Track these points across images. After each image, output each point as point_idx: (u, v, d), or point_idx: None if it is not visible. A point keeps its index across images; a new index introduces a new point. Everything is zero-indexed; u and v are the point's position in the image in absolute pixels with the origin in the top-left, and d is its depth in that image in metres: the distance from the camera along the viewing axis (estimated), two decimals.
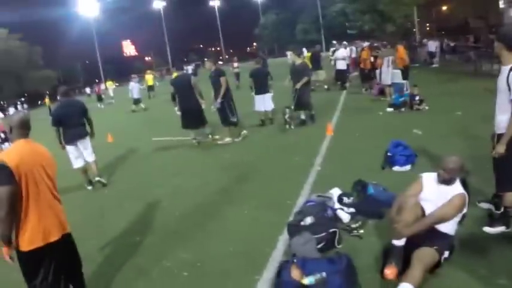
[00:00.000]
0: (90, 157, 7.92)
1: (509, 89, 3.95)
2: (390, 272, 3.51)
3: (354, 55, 20.25)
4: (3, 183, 2.98)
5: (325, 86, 17.74)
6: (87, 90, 52.83)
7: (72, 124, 7.61)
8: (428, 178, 3.87)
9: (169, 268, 4.42)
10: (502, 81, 4.06)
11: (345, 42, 20.81)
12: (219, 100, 9.47)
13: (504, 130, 4.09)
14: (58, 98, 8.16)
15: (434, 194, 3.71)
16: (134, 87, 22.17)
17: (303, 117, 10.63)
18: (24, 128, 3.35)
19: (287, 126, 10.47)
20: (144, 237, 5.32)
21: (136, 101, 22.02)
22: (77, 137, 7.70)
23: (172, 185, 7.43)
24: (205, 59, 10.33)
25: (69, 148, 7.72)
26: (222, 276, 4.09)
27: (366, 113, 11.59)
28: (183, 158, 9.33)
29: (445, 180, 3.66)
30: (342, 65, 17.56)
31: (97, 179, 8.02)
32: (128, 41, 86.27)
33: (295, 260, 3.50)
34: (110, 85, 35.56)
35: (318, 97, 15.10)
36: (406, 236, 3.58)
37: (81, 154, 7.78)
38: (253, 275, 3.99)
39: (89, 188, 7.97)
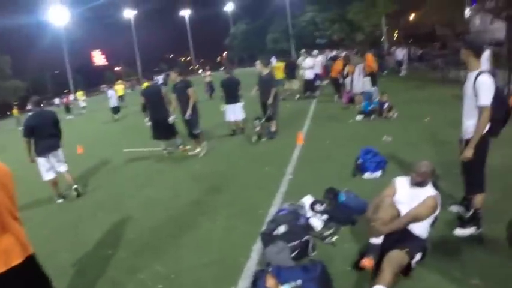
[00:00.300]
0: (63, 167, 7.76)
1: (476, 95, 4.09)
2: (368, 262, 3.61)
3: (324, 63, 20.47)
4: None
5: (296, 96, 17.89)
6: (56, 100, 51.72)
7: (45, 135, 7.43)
8: (401, 181, 4.01)
9: (143, 281, 4.35)
10: (468, 88, 4.22)
11: (315, 51, 21.07)
12: (189, 112, 9.24)
13: (471, 135, 4.24)
14: (29, 108, 7.89)
15: (407, 196, 3.83)
16: (113, 96, 21.75)
17: (272, 129, 10.51)
18: None
19: (255, 138, 10.20)
20: (117, 249, 5.23)
21: (116, 110, 21.53)
22: (49, 148, 7.53)
23: (144, 196, 7.34)
24: (172, 70, 10.00)
25: (41, 160, 7.52)
26: (196, 287, 4.06)
27: (336, 121, 11.75)
28: (154, 169, 9.19)
29: (417, 183, 3.80)
30: (309, 74, 17.77)
31: (74, 187, 7.85)
32: (98, 50, 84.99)
33: (270, 269, 3.51)
34: (80, 96, 34.85)
35: (289, 106, 15.27)
36: (384, 234, 3.69)
37: (52, 166, 7.60)
38: (228, 285, 3.97)
39: (59, 201, 7.76)
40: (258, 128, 10.18)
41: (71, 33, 66.17)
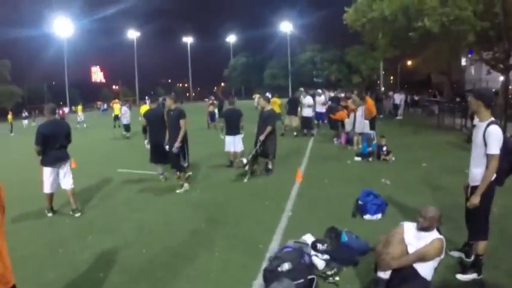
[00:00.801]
0: (68, 183, 7.54)
1: (485, 144, 4.26)
2: None
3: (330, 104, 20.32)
4: None
5: (294, 133, 17.96)
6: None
7: (55, 145, 7.26)
8: (408, 225, 4.08)
9: None
10: (478, 136, 4.39)
11: (319, 90, 21.28)
12: (177, 144, 8.71)
13: (479, 182, 4.39)
14: (46, 115, 7.50)
15: (414, 238, 3.88)
16: (126, 112, 21.37)
17: (270, 166, 10.37)
18: None
19: (247, 178, 9.74)
20: (108, 273, 4.98)
21: (127, 127, 21.05)
22: (58, 159, 7.36)
23: (138, 221, 7.10)
24: (168, 95, 9.67)
25: (48, 170, 7.32)
26: None
27: (334, 160, 11.77)
28: (150, 193, 8.96)
29: (424, 228, 3.88)
30: (307, 113, 17.87)
31: (73, 208, 7.55)
32: (98, 67, 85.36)
33: None
34: (79, 110, 34.91)
35: (287, 143, 15.30)
36: (392, 268, 3.73)
37: (56, 179, 7.42)
38: None
39: (49, 214, 7.51)
40: (246, 167, 9.71)
41: (72, 47, 66.80)
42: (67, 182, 7.55)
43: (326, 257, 4.77)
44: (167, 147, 8.94)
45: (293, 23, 69.91)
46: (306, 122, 17.99)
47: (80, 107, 35.66)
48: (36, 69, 68.47)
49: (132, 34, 77.17)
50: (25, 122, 35.17)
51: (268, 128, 9.91)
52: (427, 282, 3.69)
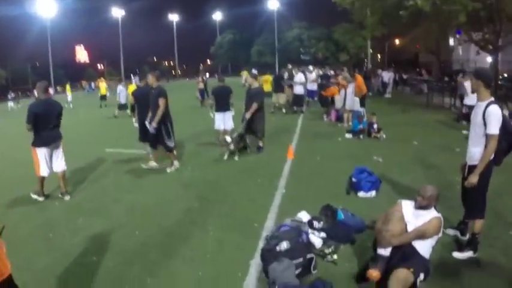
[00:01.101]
0: (61, 165, 7.27)
1: (485, 124, 4.22)
2: (375, 273, 3.60)
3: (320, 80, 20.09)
4: None
5: (283, 110, 17.88)
6: (35, 92, 50.54)
7: (48, 125, 6.96)
8: (406, 203, 4.02)
9: None
10: (477, 116, 4.36)
11: (310, 67, 21.07)
12: (154, 125, 8.47)
13: (477, 162, 4.38)
14: (36, 94, 7.26)
15: (413, 216, 3.84)
16: (122, 91, 20.61)
17: (260, 144, 10.22)
18: None
19: (227, 156, 9.60)
20: (102, 257, 4.84)
21: (122, 107, 20.39)
22: (52, 139, 7.09)
23: (129, 201, 6.95)
24: (151, 73, 9.27)
25: (42, 151, 7.02)
26: None
27: (324, 138, 11.72)
28: (139, 173, 8.77)
29: (422, 207, 3.84)
30: (299, 90, 17.74)
31: (62, 191, 7.32)
32: (82, 46, 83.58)
33: None
34: (68, 89, 34.34)
35: (276, 120, 15.22)
36: (393, 245, 3.71)
37: (50, 161, 7.15)
38: None
39: (38, 198, 7.20)
40: (230, 146, 9.54)
41: (56, 27, 65.06)
42: (60, 164, 7.28)
43: (323, 235, 4.72)
44: (148, 125, 8.71)
45: (280, 0, 69.03)
46: (297, 99, 17.87)
47: (68, 87, 35.05)
48: (19, 50, 66.53)
49: (117, 12, 75.45)
50: (10, 104, 34.32)
51: (254, 105, 9.73)
52: (425, 260, 3.68)
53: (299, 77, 17.93)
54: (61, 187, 7.37)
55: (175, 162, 8.94)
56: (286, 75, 19.49)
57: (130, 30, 79.40)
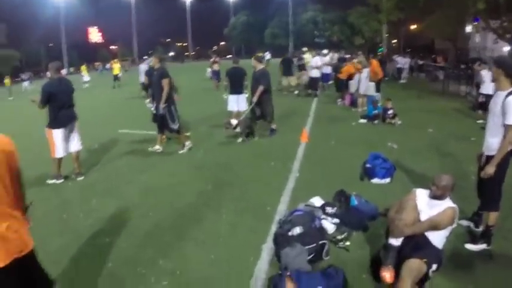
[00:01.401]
0: (77, 145, 7.30)
1: (504, 114, 4.09)
2: (389, 275, 3.53)
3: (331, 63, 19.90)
4: None
5: (295, 92, 17.76)
6: (48, 74, 50.98)
7: (63, 105, 6.95)
8: (421, 191, 3.94)
9: (145, 276, 4.04)
10: (496, 105, 4.24)
11: (325, 50, 20.84)
12: (162, 105, 8.44)
13: (494, 152, 4.26)
14: (49, 74, 7.26)
15: (427, 206, 3.76)
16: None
17: (273, 126, 10.11)
18: None
19: (242, 139, 9.57)
20: (115, 238, 4.87)
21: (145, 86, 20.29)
22: (68, 119, 7.08)
23: (143, 183, 6.98)
24: (154, 54, 9.32)
25: (59, 132, 6.99)
26: (205, 286, 3.83)
27: (339, 122, 11.61)
28: (152, 154, 8.81)
29: (436, 196, 3.74)
30: (315, 73, 17.58)
31: (76, 172, 7.38)
32: (95, 27, 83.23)
33: (288, 273, 3.32)
34: (84, 70, 34.78)
35: (290, 103, 15.13)
36: (405, 235, 3.65)
37: (67, 141, 7.14)
38: (239, 285, 3.78)
39: (59, 182, 7.17)
40: (237, 128, 9.51)
41: (69, 8, 65.17)
42: (76, 144, 7.30)
43: (336, 220, 4.69)
44: (153, 108, 8.75)
45: None
46: (312, 83, 17.71)
47: (84, 67, 35.41)
48: (33, 32, 66.79)
49: None
50: (25, 84, 34.54)
51: (260, 88, 9.60)
52: (438, 251, 3.62)
53: (315, 60, 17.76)
54: (75, 168, 7.42)
55: (187, 143, 8.95)
56: (300, 58, 19.36)
57: (143, 11, 79.17)
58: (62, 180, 7.23)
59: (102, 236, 4.96)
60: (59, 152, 7.07)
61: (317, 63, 17.54)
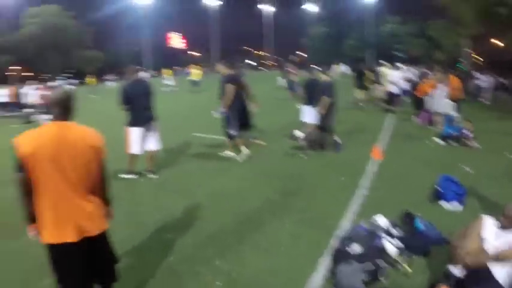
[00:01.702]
0: (154, 145, 7.76)
1: None
2: None
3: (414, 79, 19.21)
4: (16, 170, 2.93)
5: (363, 105, 17.66)
6: (127, 75, 54.20)
7: (142, 105, 7.46)
8: (488, 220, 3.75)
9: (201, 274, 4.26)
10: None
11: (402, 65, 20.27)
12: (221, 109, 8.85)
13: None
14: (128, 75, 7.82)
15: (493, 235, 3.59)
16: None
17: (338, 141, 9.88)
18: (59, 107, 3.05)
19: (305, 155, 9.39)
20: (178, 235, 5.19)
21: None
22: (146, 119, 7.56)
23: (212, 185, 7.31)
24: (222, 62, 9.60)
25: (136, 130, 7.49)
26: None
27: (413, 140, 11.20)
28: (224, 159, 9.15)
29: (504, 227, 3.58)
30: (394, 88, 17.06)
31: (149, 170, 7.86)
32: (176, 33, 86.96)
33: None
34: (167, 73, 37.71)
35: (362, 117, 14.92)
36: (467, 264, 3.50)
37: (143, 140, 7.61)
38: None
39: (131, 177, 7.72)
40: (300, 141, 9.51)
41: (152, 14, 68.91)
42: (152, 144, 7.74)
43: (398, 243, 4.58)
44: (213, 112, 9.15)
45: None
46: (390, 98, 17.26)
47: (168, 71, 38.47)
48: (118, 36, 71.59)
49: (212, 1, 78.02)
50: (109, 84, 36.99)
51: (325, 100, 9.56)
52: None
53: (393, 74, 17.28)
54: (149, 165, 7.87)
55: (244, 150, 9.17)
56: (376, 71, 18.99)
57: (224, 18, 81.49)
58: (134, 176, 7.72)
59: (166, 232, 5.30)
60: (134, 149, 7.54)
61: (395, 77, 17.08)
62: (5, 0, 55.99)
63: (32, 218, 3.04)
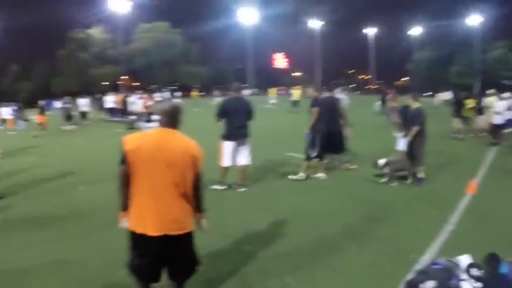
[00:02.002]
0: (245, 160, 8.16)
1: None
2: None
3: None
4: (119, 163, 3.34)
5: (459, 136, 16.69)
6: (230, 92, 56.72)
7: (238, 120, 7.91)
8: None
9: None
10: None
11: (507, 94, 18.83)
12: (306, 131, 9.22)
13: None
14: (232, 92, 8.47)
15: None
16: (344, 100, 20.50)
17: (420, 175, 9.29)
18: (165, 117, 3.45)
19: (385, 179, 9.24)
20: (256, 248, 5.41)
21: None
22: (240, 135, 7.98)
23: (297, 204, 7.52)
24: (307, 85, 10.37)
25: (229, 144, 7.95)
26: None
27: None
28: (313, 180, 9.32)
29: None
30: (498, 119, 15.85)
31: (238, 184, 8.28)
32: (280, 54, 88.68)
33: None
34: (272, 92, 40.33)
35: (460, 149, 14.21)
36: None
37: (235, 154, 8.03)
38: None
39: (221, 188, 8.17)
40: (384, 169, 9.26)
41: (258, 33, 71.78)
42: (244, 158, 8.15)
43: (479, 285, 4.34)
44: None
45: (484, 15, 62.37)
46: (494, 129, 16.06)
47: (273, 90, 41.03)
48: (223, 53, 75.11)
49: (315, 23, 78.87)
50: (215, 99, 38.97)
51: (415, 128, 9.11)
52: None
53: (500, 104, 16.08)
54: (238, 179, 8.27)
55: (320, 174, 9.42)
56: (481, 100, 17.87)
57: (327, 40, 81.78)
58: (224, 187, 8.18)
59: (245, 244, 5.57)
60: (226, 162, 8.01)
61: (500, 107, 15.86)
62: (120, 17, 61.87)
63: (125, 207, 3.45)
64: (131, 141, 3.35)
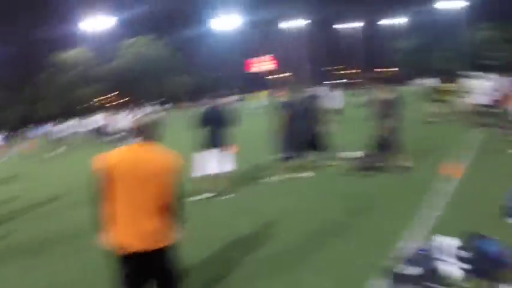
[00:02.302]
0: (227, 166, 8.24)
1: None
2: None
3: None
4: (94, 181, 3.35)
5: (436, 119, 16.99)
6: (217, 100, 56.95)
7: (216, 129, 8.04)
8: None
9: None
10: None
11: (489, 75, 18.92)
12: (272, 134, 9.52)
13: None
14: (211, 101, 8.62)
15: None
16: (338, 96, 20.47)
17: (400, 163, 9.23)
18: (145, 131, 3.44)
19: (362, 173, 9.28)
20: (243, 252, 5.49)
21: (337, 112, 19.08)
22: (219, 142, 8.08)
23: (282, 205, 7.60)
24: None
25: (205, 152, 8.08)
26: None
27: (499, 155, 10.31)
28: (299, 179, 9.42)
29: None
30: (485, 100, 15.74)
31: (219, 190, 8.32)
32: (265, 56, 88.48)
33: None
34: (262, 95, 40.92)
35: (443, 132, 14.36)
36: None
37: (213, 161, 8.11)
38: None
39: (201, 196, 8.23)
40: (363, 162, 9.42)
41: (238, 40, 72.52)
42: (226, 165, 8.21)
43: (466, 266, 4.38)
44: None
45: None
46: (483, 109, 16.07)
47: (264, 93, 41.21)
48: (205, 61, 75.15)
49: (299, 23, 79.30)
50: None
51: (389, 120, 9.24)
52: None
53: (486, 85, 15.99)
54: (222, 186, 8.32)
55: (305, 173, 9.61)
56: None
57: (313, 39, 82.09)
58: (207, 195, 8.25)
59: (229, 250, 5.66)
60: (206, 170, 8.10)
61: (483, 87, 15.78)
62: (103, 34, 62.36)
63: (101, 225, 3.46)
64: (109, 156, 3.37)
